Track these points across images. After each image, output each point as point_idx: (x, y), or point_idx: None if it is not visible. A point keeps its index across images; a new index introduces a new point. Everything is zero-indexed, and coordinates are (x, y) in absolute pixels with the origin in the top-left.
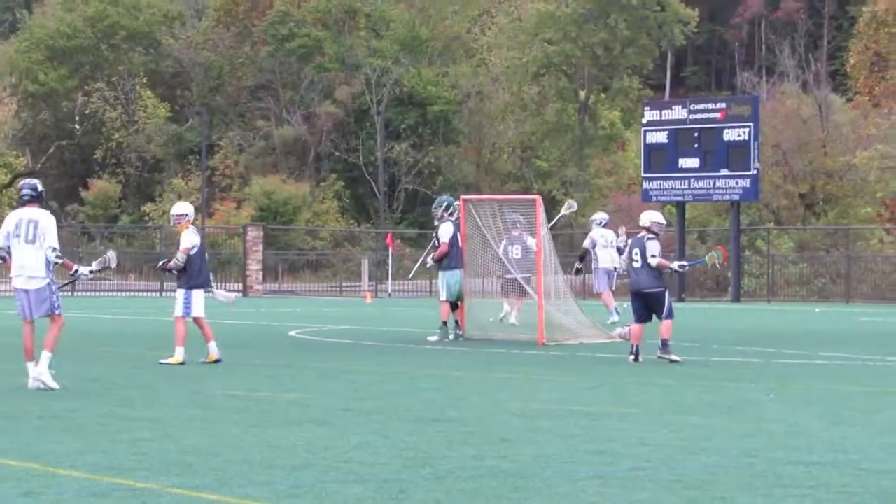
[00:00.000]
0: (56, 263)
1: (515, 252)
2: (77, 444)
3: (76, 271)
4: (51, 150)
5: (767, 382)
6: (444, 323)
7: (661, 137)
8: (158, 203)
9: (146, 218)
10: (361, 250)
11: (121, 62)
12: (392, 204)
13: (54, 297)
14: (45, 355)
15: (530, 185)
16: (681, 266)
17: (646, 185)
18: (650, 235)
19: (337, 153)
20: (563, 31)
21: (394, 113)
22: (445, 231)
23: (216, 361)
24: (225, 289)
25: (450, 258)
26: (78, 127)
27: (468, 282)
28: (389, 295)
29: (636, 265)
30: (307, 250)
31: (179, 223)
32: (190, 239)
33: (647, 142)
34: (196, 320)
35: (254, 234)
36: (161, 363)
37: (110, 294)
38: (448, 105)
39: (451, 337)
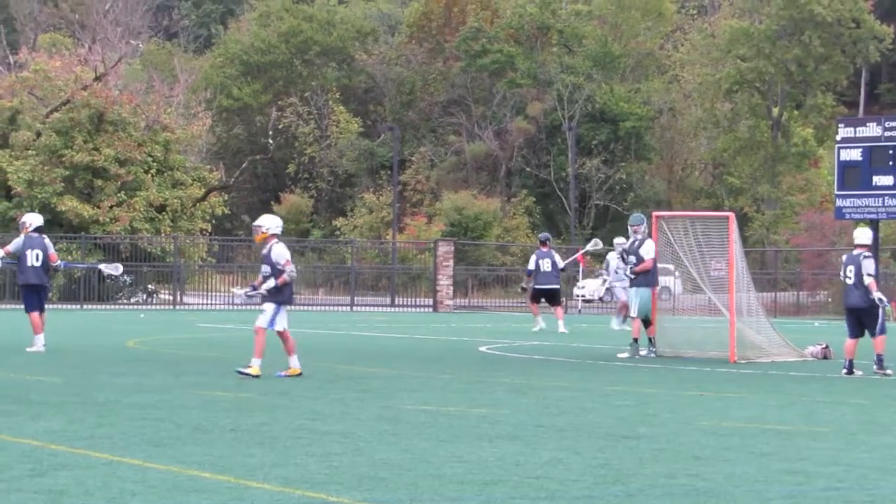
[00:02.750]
0: None
1: (546, 266)
2: (269, 457)
3: None
4: (244, 165)
5: None
6: (636, 340)
7: (854, 155)
8: (350, 218)
9: (337, 232)
10: None
11: (314, 77)
12: (583, 220)
13: None
14: None
15: (722, 201)
16: (880, 299)
17: (839, 202)
18: (867, 253)
19: (528, 169)
20: (756, 47)
21: (585, 129)
22: (649, 247)
23: (298, 375)
24: (414, 304)
25: (645, 274)
26: (271, 141)
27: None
28: (579, 311)
29: (849, 282)
30: (497, 266)
31: (256, 233)
32: (285, 253)
33: (841, 159)
34: (280, 333)
35: (444, 249)
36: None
37: (301, 308)
38: (640, 121)
39: (642, 353)
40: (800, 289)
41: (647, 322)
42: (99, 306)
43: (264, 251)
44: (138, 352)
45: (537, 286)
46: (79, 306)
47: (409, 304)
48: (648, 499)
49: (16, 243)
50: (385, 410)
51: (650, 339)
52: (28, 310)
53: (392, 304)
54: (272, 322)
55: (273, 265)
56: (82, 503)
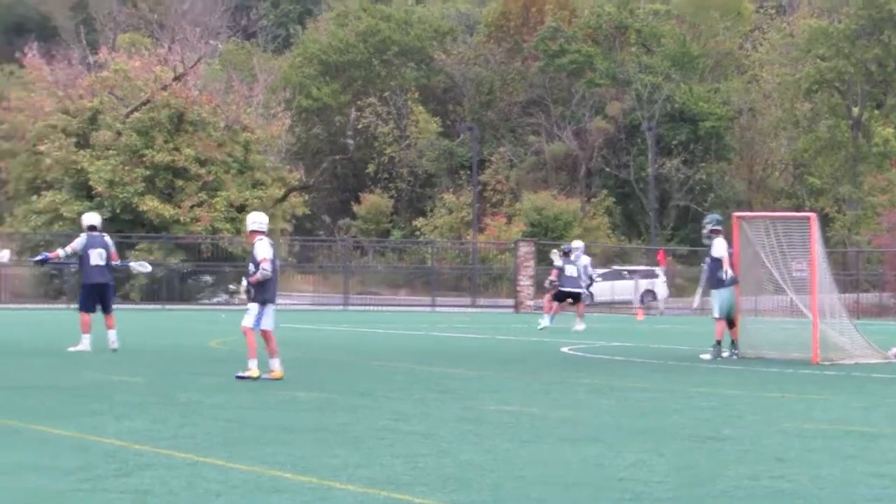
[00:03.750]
0: None
1: (571, 271)
2: (353, 457)
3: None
4: (324, 165)
5: None
6: (718, 342)
7: None
8: (430, 218)
9: (417, 233)
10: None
11: (393, 77)
12: (663, 220)
13: None
14: None
15: (802, 202)
16: None
17: None
18: None
19: (608, 169)
20: (835, 47)
21: (665, 129)
22: (724, 246)
23: (279, 379)
24: (495, 304)
25: (724, 277)
26: (351, 141)
27: (741, 299)
28: (661, 312)
29: None
30: None
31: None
32: (265, 250)
33: None
34: (263, 333)
35: (525, 249)
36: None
37: (381, 309)
38: (719, 121)
39: (725, 355)
40: (882, 290)
41: (730, 323)
42: (181, 306)
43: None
44: (220, 352)
45: (563, 288)
46: (161, 306)
47: (489, 304)
48: (732, 500)
49: (78, 242)
50: (467, 411)
51: (733, 341)
52: (82, 309)
53: (473, 305)
54: (258, 321)
55: (256, 263)
56: (167, 503)
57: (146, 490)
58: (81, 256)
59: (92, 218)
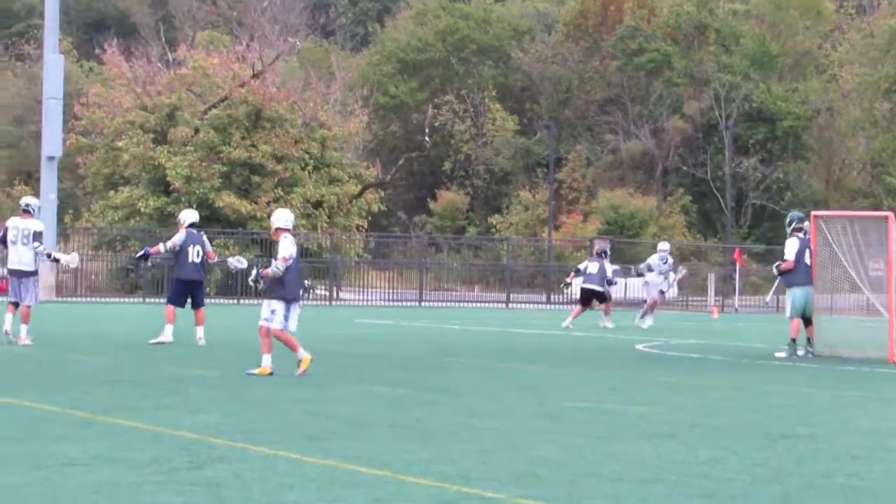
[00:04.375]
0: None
1: (593, 268)
2: (426, 452)
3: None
4: (400, 162)
5: None
6: (793, 340)
7: None
8: (505, 215)
9: (493, 230)
10: (708, 265)
11: (470, 75)
12: (739, 219)
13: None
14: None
15: (880, 201)
16: None
17: None
18: None
19: (684, 168)
20: None
21: (742, 128)
22: (791, 247)
23: (269, 374)
24: (570, 301)
25: (795, 274)
26: (427, 139)
27: (817, 298)
28: (736, 310)
29: None
30: None
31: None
32: (288, 248)
33: None
34: (276, 332)
35: (601, 246)
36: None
37: (457, 305)
38: (798, 121)
39: (800, 353)
40: None
41: (806, 322)
42: (255, 301)
43: None
44: None
45: (584, 286)
46: (235, 301)
47: (564, 300)
48: (806, 498)
49: (178, 238)
50: (541, 407)
51: (808, 340)
52: (171, 302)
53: (548, 301)
54: (286, 321)
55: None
56: (240, 496)
57: (219, 483)
58: (178, 252)
59: (191, 215)
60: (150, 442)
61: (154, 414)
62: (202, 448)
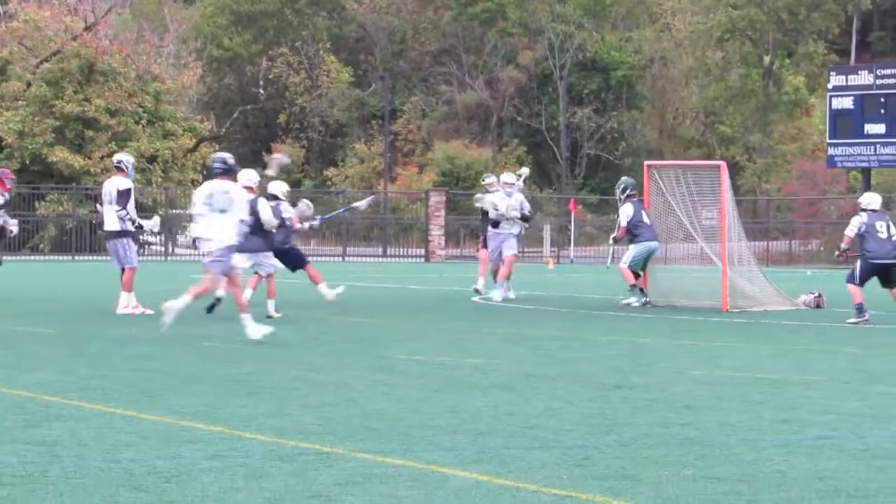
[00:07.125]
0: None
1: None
2: (263, 407)
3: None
4: (235, 115)
5: None
6: (633, 285)
7: (846, 103)
8: (341, 168)
9: (328, 183)
10: (543, 216)
11: (304, 27)
12: (574, 169)
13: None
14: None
15: (713, 150)
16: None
17: (831, 151)
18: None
19: (519, 118)
20: None
21: (577, 78)
22: (625, 212)
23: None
24: (406, 254)
25: (638, 235)
26: (262, 92)
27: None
28: (571, 261)
29: (881, 236)
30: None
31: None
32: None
33: (833, 108)
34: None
35: (436, 199)
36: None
37: None
38: (631, 70)
39: (633, 303)
40: (792, 237)
41: (636, 274)
42: (90, 257)
43: None
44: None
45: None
46: (70, 257)
47: (400, 254)
48: (642, 448)
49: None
50: (378, 361)
51: (641, 290)
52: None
53: (384, 255)
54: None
55: (254, 212)
56: (76, 454)
57: (55, 441)
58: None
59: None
60: None
61: None
62: (37, 406)
